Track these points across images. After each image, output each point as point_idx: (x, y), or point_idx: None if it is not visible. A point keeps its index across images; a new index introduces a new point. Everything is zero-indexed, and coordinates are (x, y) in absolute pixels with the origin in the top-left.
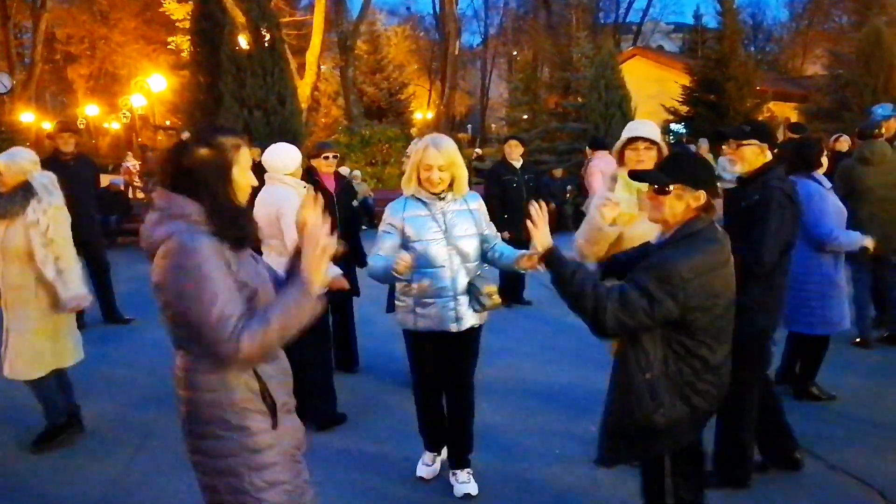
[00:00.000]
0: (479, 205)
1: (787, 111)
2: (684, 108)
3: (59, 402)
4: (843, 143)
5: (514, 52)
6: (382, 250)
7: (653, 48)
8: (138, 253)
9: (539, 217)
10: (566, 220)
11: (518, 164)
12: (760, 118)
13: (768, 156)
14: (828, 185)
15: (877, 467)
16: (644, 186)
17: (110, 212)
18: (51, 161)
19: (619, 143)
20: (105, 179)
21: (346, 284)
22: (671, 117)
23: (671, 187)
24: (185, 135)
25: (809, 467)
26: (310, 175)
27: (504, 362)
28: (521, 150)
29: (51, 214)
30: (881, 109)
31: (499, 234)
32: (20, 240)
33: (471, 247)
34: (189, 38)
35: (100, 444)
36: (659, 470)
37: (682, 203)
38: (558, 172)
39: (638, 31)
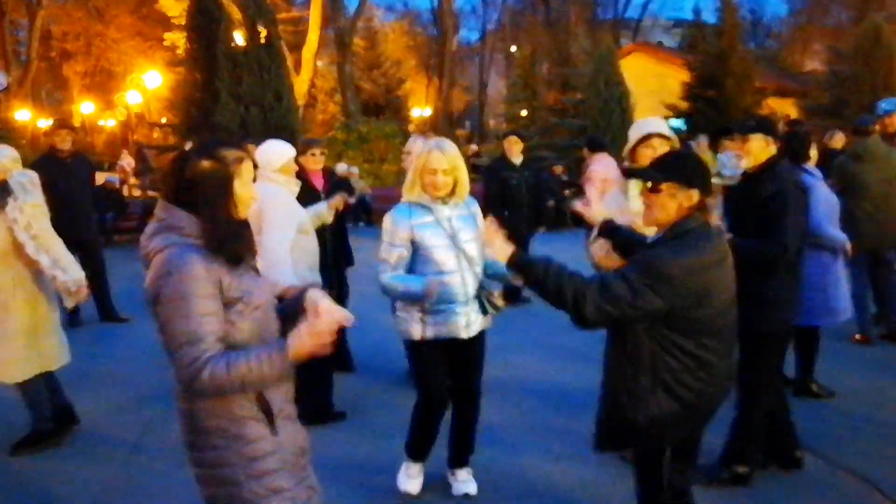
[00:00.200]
0: (478, 208)
1: (786, 107)
2: (684, 104)
3: (47, 409)
4: (838, 140)
5: (513, 48)
6: (394, 267)
7: (652, 44)
8: (134, 251)
9: (491, 232)
10: (565, 217)
11: (518, 160)
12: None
13: (773, 149)
14: (819, 175)
15: (877, 465)
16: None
17: (106, 210)
18: (47, 159)
19: (631, 142)
20: (100, 177)
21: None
22: (670, 113)
23: (663, 186)
24: (189, 145)
25: (809, 465)
26: (297, 173)
27: (503, 361)
28: (521, 146)
29: (28, 212)
30: (885, 104)
31: None
32: None
33: (476, 251)
34: (185, 34)
35: (96, 442)
36: (655, 463)
37: (674, 202)
38: (558, 169)
39: (637, 26)
